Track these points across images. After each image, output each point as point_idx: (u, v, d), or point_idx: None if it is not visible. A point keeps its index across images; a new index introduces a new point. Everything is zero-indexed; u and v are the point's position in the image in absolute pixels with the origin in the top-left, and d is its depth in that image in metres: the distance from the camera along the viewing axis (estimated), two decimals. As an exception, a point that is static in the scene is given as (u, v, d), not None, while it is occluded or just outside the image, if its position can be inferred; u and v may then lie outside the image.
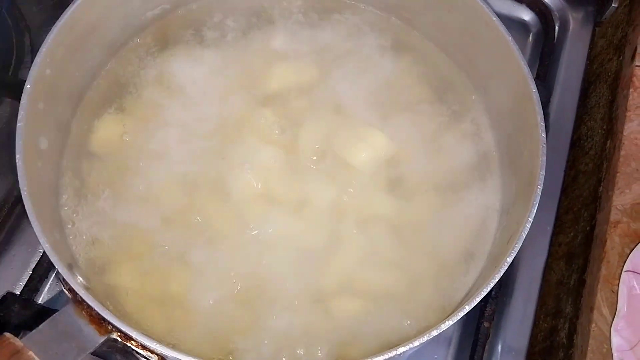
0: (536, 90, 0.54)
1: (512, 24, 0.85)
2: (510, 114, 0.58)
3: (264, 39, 0.67)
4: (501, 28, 0.57)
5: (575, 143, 0.85)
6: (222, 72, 0.65)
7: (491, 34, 0.58)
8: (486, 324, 0.67)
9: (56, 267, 0.48)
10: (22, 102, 0.54)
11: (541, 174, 0.50)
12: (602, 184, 0.74)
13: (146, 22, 0.66)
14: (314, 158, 0.61)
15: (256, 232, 0.59)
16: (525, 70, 0.55)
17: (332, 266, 0.58)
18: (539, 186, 0.50)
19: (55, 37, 0.58)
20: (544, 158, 0.51)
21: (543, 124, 0.52)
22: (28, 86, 0.54)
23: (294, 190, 0.60)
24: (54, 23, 0.80)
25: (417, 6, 0.65)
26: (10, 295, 0.63)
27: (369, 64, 0.66)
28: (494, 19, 0.57)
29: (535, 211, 0.51)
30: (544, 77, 0.78)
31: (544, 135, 0.52)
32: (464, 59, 0.65)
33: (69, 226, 0.57)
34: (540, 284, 0.72)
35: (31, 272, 0.67)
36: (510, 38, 0.56)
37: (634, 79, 0.75)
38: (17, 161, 0.52)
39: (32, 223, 0.50)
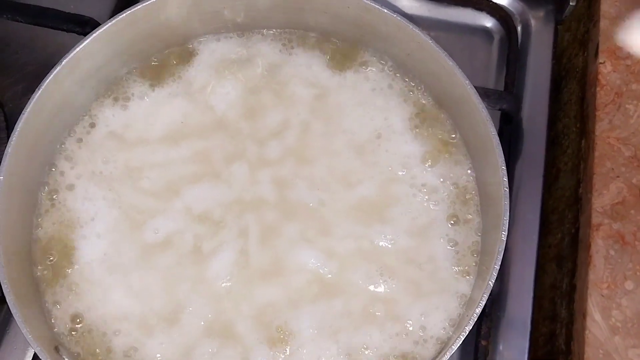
0: (496, 134, 0.55)
1: (476, 32, 0.86)
2: (482, 154, 0.60)
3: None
4: (457, 72, 0.58)
5: (554, 140, 0.85)
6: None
7: (454, 80, 0.60)
8: (484, 342, 0.68)
9: (40, 356, 0.49)
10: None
11: (505, 219, 0.51)
12: (581, 185, 0.74)
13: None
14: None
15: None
16: (484, 114, 0.56)
17: None
18: (503, 232, 0.50)
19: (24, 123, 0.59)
20: (507, 203, 0.52)
21: (504, 168, 0.53)
22: (1, 178, 0.55)
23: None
24: (26, 95, 0.82)
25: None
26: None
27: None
28: (450, 63, 0.59)
29: (500, 261, 0.52)
30: (512, 85, 0.79)
31: (505, 179, 0.52)
32: (443, 101, 0.67)
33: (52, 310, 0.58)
34: (532, 294, 0.73)
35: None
36: (467, 81, 0.57)
37: (600, 77, 0.75)
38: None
39: (13, 313, 0.51)
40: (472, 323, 0.50)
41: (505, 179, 0.53)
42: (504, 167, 0.53)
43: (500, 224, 0.52)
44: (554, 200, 0.82)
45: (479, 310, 0.50)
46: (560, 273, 0.76)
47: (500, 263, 0.51)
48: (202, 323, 0.59)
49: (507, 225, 0.51)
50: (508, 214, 0.52)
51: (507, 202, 0.52)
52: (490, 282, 0.51)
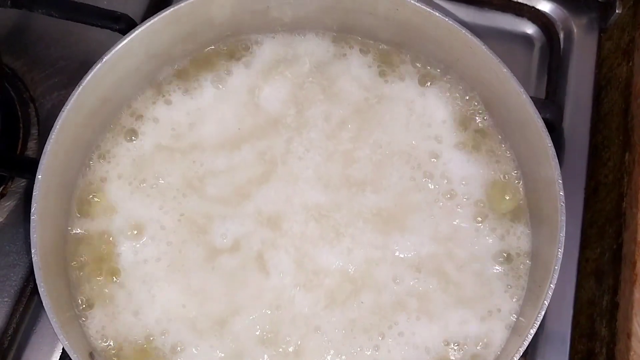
0: (552, 144, 0.53)
1: (516, 39, 0.84)
2: (533, 166, 0.58)
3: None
4: (514, 81, 0.56)
5: (592, 152, 0.83)
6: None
7: (506, 88, 0.58)
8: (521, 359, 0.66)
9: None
10: (34, 193, 0.54)
11: (561, 236, 0.49)
12: (624, 199, 0.72)
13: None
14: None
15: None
16: (540, 124, 0.54)
17: None
18: (559, 249, 0.49)
19: (64, 121, 0.57)
20: (564, 218, 0.50)
21: (561, 181, 0.51)
22: (39, 177, 0.55)
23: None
24: (58, 90, 0.82)
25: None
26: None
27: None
28: (505, 70, 0.57)
29: (555, 280, 0.50)
30: (554, 93, 0.77)
31: (562, 193, 0.50)
32: (492, 106, 0.65)
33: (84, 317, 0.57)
34: (572, 310, 0.71)
35: (61, 352, 0.67)
36: (522, 90, 0.56)
37: (647, 88, 0.73)
38: (32, 256, 0.52)
39: (50, 319, 0.51)
40: (525, 344, 0.48)
41: (562, 192, 0.51)
42: (560, 181, 0.51)
43: (556, 240, 0.50)
44: (593, 214, 0.80)
45: (533, 331, 0.48)
46: (600, 289, 0.74)
47: (555, 281, 0.49)
48: (258, 332, 0.58)
49: (563, 241, 0.49)
50: (564, 230, 0.50)
51: (563, 218, 0.50)
52: (545, 301, 0.49)
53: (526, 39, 0.84)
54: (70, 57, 0.83)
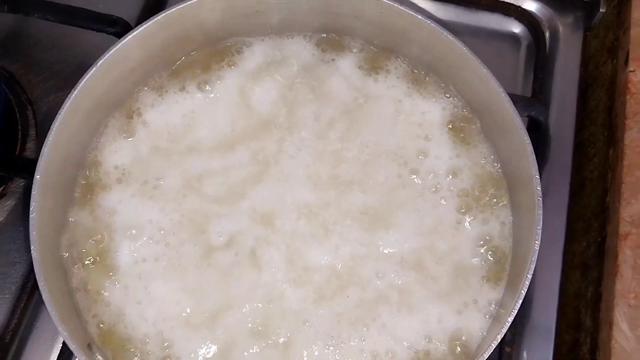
0: (530, 142, 0.55)
1: (503, 38, 0.86)
2: (514, 162, 0.59)
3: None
4: (493, 81, 0.58)
5: (579, 148, 0.85)
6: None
7: (487, 87, 0.60)
8: (508, 349, 0.68)
9: (75, 354, 0.50)
10: (32, 193, 0.56)
11: (538, 229, 0.51)
12: (608, 194, 0.74)
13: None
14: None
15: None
16: (518, 121, 0.56)
17: None
18: (536, 242, 0.50)
19: (60, 123, 0.59)
20: (540, 212, 0.52)
21: (538, 177, 0.53)
22: (37, 177, 0.56)
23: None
24: (55, 93, 0.83)
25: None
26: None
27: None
28: (485, 70, 0.59)
29: (532, 270, 0.52)
30: (540, 91, 0.79)
31: (539, 188, 0.52)
32: (475, 105, 0.67)
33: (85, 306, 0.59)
34: (557, 301, 0.73)
35: (61, 346, 0.68)
36: (501, 89, 0.58)
37: (630, 85, 0.75)
38: (32, 252, 0.54)
39: (49, 311, 0.52)
40: (503, 332, 0.50)
41: (539, 187, 0.53)
42: (538, 177, 0.53)
43: (533, 233, 0.52)
44: (579, 209, 0.81)
45: (510, 318, 0.50)
46: (585, 281, 0.76)
47: (532, 272, 0.51)
48: (249, 325, 0.60)
49: (540, 234, 0.51)
50: (541, 223, 0.52)
51: (540, 212, 0.52)
52: (522, 290, 0.51)
53: (513, 38, 0.86)
54: (66, 60, 0.85)
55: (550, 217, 0.76)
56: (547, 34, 0.85)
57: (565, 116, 0.81)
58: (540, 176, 0.76)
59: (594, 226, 0.77)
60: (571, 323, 0.77)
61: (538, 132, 0.76)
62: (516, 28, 0.86)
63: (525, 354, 0.70)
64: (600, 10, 0.82)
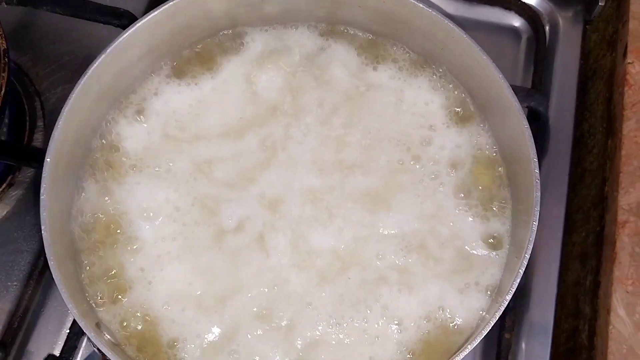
0: (528, 126, 0.56)
1: (504, 31, 0.87)
2: (513, 147, 0.61)
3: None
4: (493, 68, 0.59)
5: (579, 140, 0.86)
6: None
7: (487, 74, 0.61)
8: (507, 336, 0.69)
9: (85, 331, 0.51)
10: (43, 175, 0.57)
11: (536, 210, 0.52)
12: (607, 184, 0.75)
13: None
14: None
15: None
16: (517, 106, 0.57)
17: None
18: (534, 223, 0.52)
19: (70, 108, 0.60)
20: (538, 194, 0.53)
21: (536, 160, 0.54)
22: (48, 159, 0.58)
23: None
24: (62, 85, 0.85)
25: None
26: (51, 357, 0.66)
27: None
28: (484, 57, 0.60)
29: (530, 251, 0.53)
30: (539, 83, 0.80)
31: (537, 171, 0.54)
32: (475, 93, 0.68)
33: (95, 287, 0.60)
34: (556, 290, 0.74)
35: (68, 331, 0.70)
36: (500, 75, 0.59)
37: (628, 76, 0.76)
38: (42, 232, 0.55)
39: (59, 290, 0.54)
40: (502, 309, 0.51)
41: (537, 170, 0.54)
42: (536, 160, 0.55)
43: (531, 214, 0.53)
44: (579, 199, 0.82)
45: (508, 297, 0.51)
46: (584, 271, 0.77)
47: (530, 252, 0.52)
48: (255, 309, 0.61)
49: (538, 215, 0.52)
50: (539, 205, 0.53)
51: (538, 194, 0.53)
52: (520, 270, 0.52)
53: (513, 31, 0.87)
54: (74, 52, 0.86)
55: (549, 208, 0.77)
56: (547, 28, 0.86)
57: (564, 108, 0.82)
58: (540, 167, 0.78)
59: (593, 216, 0.78)
60: (570, 312, 0.78)
61: (538, 123, 0.78)
62: (516, 22, 0.87)
63: (523, 340, 0.71)
64: (600, 3, 0.84)
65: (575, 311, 0.77)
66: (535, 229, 0.53)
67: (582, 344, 0.72)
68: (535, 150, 0.55)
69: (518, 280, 0.52)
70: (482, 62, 0.59)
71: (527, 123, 0.56)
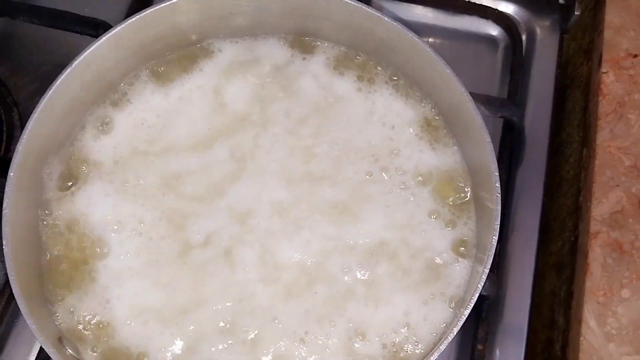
0: (490, 140, 0.56)
1: (481, 40, 0.87)
2: (477, 160, 0.61)
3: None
4: (456, 81, 0.59)
5: (558, 149, 0.86)
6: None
7: (450, 87, 0.61)
8: (480, 347, 0.69)
9: (43, 346, 0.51)
10: (6, 190, 0.57)
11: (496, 225, 0.52)
12: (581, 194, 0.75)
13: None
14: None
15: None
16: (479, 120, 0.57)
17: None
18: (494, 237, 0.52)
19: (35, 122, 0.60)
20: (499, 208, 0.53)
21: (497, 174, 0.54)
22: (11, 174, 0.58)
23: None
24: (40, 95, 0.84)
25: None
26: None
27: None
28: (448, 70, 0.60)
29: (490, 263, 0.53)
30: (515, 93, 0.80)
31: (498, 185, 0.54)
32: (440, 105, 0.68)
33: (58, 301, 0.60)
34: (530, 300, 0.74)
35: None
36: (463, 88, 0.59)
37: (602, 86, 0.76)
38: (4, 247, 0.55)
39: (19, 305, 0.54)
40: (460, 324, 0.51)
41: (498, 184, 0.54)
42: (497, 174, 0.55)
43: (491, 229, 0.53)
44: (556, 208, 0.82)
45: (467, 312, 0.51)
46: (560, 280, 0.77)
47: (489, 266, 0.52)
48: (220, 324, 0.61)
49: (498, 230, 0.52)
50: (499, 219, 0.53)
51: (498, 207, 0.53)
52: (479, 284, 0.52)
53: (491, 40, 0.87)
54: (52, 62, 0.86)
55: (523, 217, 0.77)
56: (524, 37, 0.86)
57: (541, 117, 0.82)
58: (515, 177, 0.78)
59: (568, 226, 0.78)
60: (546, 322, 0.78)
61: (512, 133, 0.78)
62: (494, 30, 0.87)
63: (497, 351, 0.71)
64: (575, 13, 0.83)
65: (550, 321, 0.77)
66: (495, 243, 0.53)
67: (556, 355, 0.72)
68: (496, 164, 0.55)
69: (477, 295, 0.52)
70: (445, 75, 0.59)
71: (489, 137, 0.56)
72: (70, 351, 0.54)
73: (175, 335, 0.60)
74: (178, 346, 0.60)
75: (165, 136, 0.67)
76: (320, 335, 0.59)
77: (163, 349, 0.60)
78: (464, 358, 0.70)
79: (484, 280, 0.52)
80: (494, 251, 0.53)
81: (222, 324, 0.60)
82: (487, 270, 0.52)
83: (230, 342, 0.59)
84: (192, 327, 0.60)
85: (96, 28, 0.78)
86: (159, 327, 0.60)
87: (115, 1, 0.87)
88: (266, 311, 0.61)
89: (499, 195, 0.54)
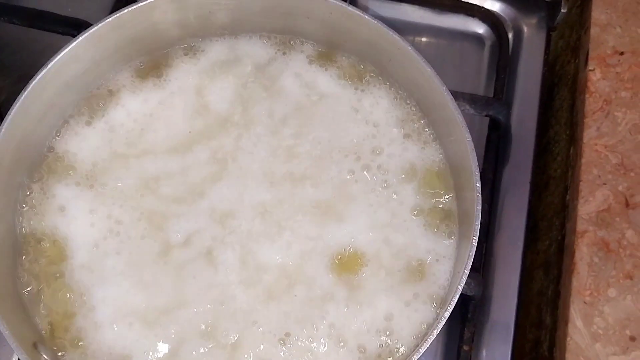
0: (470, 139, 0.55)
1: (467, 38, 0.86)
2: (458, 159, 0.60)
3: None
4: (436, 80, 0.59)
5: (545, 147, 0.85)
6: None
7: (431, 86, 0.60)
8: (466, 348, 0.68)
9: (16, 352, 0.50)
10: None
11: (476, 224, 0.52)
12: (568, 192, 0.74)
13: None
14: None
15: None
16: (460, 119, 0.57)
17: None
18: (474, 237, 0.51)
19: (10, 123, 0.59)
20: (479, 208, 0.52)
21: (478, 173, 0.54)
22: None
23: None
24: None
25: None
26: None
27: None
28: (429, 69, 0.60)
29: (470, 264, 0.52)
30: (501, 91, 0.79)
31: (478, 185, 0.53)
32: (422, 104, 0.67)
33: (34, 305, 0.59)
34: (517, 300, 0.73)
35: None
36: (444, 87, 0.59)
37: (589, 84, 0.75)
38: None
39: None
40: (440, 326, 0.50)
41: (478, 184, 0.54)
42: (477, 173, 0.54)
43: (471, 229, 0.52)
44: (544, 207, 0.82)
45: (447, 314, 0.51)
46: (547, 280, 0.76)
47: (469, 267, 0.51)
48: (201, 326, 0.60)
49: (478, 230, 0.52)
50: (480, 219, 0.52)
51: (479, 208, 0.53)
52: (459, 285, 0.51)
53: (477, 38, 0.86)
54: (36, 63, 0.84)
55: (510, 216, 0.77)
56: (510, 34, 0.85)
57: (527, 116, 0.81)
58: (501, 175, 0.77)
59: (556, 224, 0.77)
60: (534, 321, 0.77)
61: (498, 132, 0.77)
62: (480, 29, 0.86)
63: (484, 352, 0.71)
64: (562, 10, 0.83)
65: (538, 321, 0.76)
66: (475, 243, 0.52)
67: (543, 355, 0.71)
68: (477, 164, 0.55)
69: (457, 297, 0.51)
70: (426, 73, 0.58)
71: (469, 136, 0.56)
72: (45, 356, 0.53)
73: (158, 336, 0.59)
74: (159, 349, 0.59)
75: (144, 139, 0.66)
76: (302, 338, 0.59)
77: (145, 353, 0.59)
78: (451, 359, 0.70)
79: (464, 281, 0.51)
80: (474, 251, 0.52)
81: (203, 327, 0.60)
82: (467, 271, 0.52)
83: (211, 345, 0.58)
84: (174, 330, 0.59)
85: (78, 28, 0.77)
86: (143, 329, 0.59)
87: (98, 2, 0.86)
88: (247, 314, 0.60)
89: (479, 195, 0.53)
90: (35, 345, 0.52)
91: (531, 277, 0.80)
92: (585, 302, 0.66)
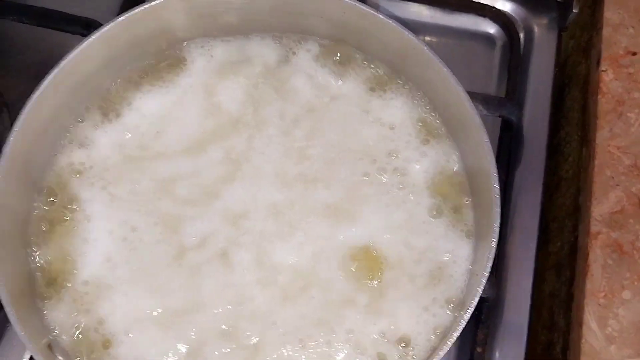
0: (488, 140, 0.55)
1: (478, 38, 0.86)
2: (475, 160, 0.60)
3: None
4: (453, 80, 0.58)
5: (556, 148, 0.85)
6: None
7: (447, 86, 0.60)
8: (479, 349, 0.68)
9: (32, 355, 0.50)
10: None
11: (495, 226, 0.51)
12: (580, 193, 0.74)
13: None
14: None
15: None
16: (478, 120, 0.56)
17: None
18: (493, 239, 0.50)
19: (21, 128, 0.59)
20: (498, 210, 0.52)
21: (496, 175, 0.53)
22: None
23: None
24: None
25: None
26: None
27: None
28: (445, 69, 0.59)
29: (490, 265, 0.51)
30: (513, 92, 0.79)
31: (497, 186, 0.52)
32: (438, 105, 0.67)
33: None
34: (530, 302, 0.72)
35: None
36: (460, 87, 0.58)
37: (601, 84, 0.75)
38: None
39: (7, 312, 0.52)
40: (460, 329, 0.50)
41: (497, 185, 0.53)
42: (496, 174, 0.53)
43: (491, 231, 0.52)
44: (555, 209, 0.81)
45: (467, 316, 0.50)
46: (559, 282, 0.76)
47: (489, 269, 0.51)
48: (222, 327, 0.59)
49: (498, 232, 0.51)
50: (499, 221, 0.51)
51: (497, 209, 0.52)
52: (479, 288, 0.50)
53: (488, 38, 0.86)
54: (43, 62, 0.83)
55: (522, 217, 0.76)
56: (521, 35, 0.85)
57: (539, 116, 0.81)
58: (513, 177, 0.77)
59: (568, 226, 0.77)
60: (546, 324, 0.76)
61: (511, 132, 0.76)
62: (491, 29, 0.86)
63: (497, 354, 0.70)
64: (573, 10, 0.82)
65: (550, 323, 0.75)
66: (494, 245, 0.51)
67: (557, 357, 0.71)
68: (495, 165, 0.54)
69: (477, 299, 0.51)
70: (442, 74, 0.57)
71: (487, 137, 0.55)
72: (60, 358, 0.53)
73: (178, 338, 0.59)
74: (181, 351, 0.58)
75: (158, 141, 0.66)
76: (321, 341, 0.58)
77: (165, 356, 0.58)
78: (463, 361, 0.69)
79: (484, 283, 0.50)
80: (494, 254, 0.51)
81: (223, 327, 0.59)
82: (486, 274, 0.51)
83: (233, 346, 0.58)
84: (193, 331, 0.59)
85: (87, 27, 0.76)
86: (159, 332, 0.59)
87: (107, 1, 0.86)
88: (266, 314, 0.59)
89: (498, 197, 0.52)
90: (50, 347, 0.51)
91: (542, 279, 0.79)
92: (599, 304, 0.65)
